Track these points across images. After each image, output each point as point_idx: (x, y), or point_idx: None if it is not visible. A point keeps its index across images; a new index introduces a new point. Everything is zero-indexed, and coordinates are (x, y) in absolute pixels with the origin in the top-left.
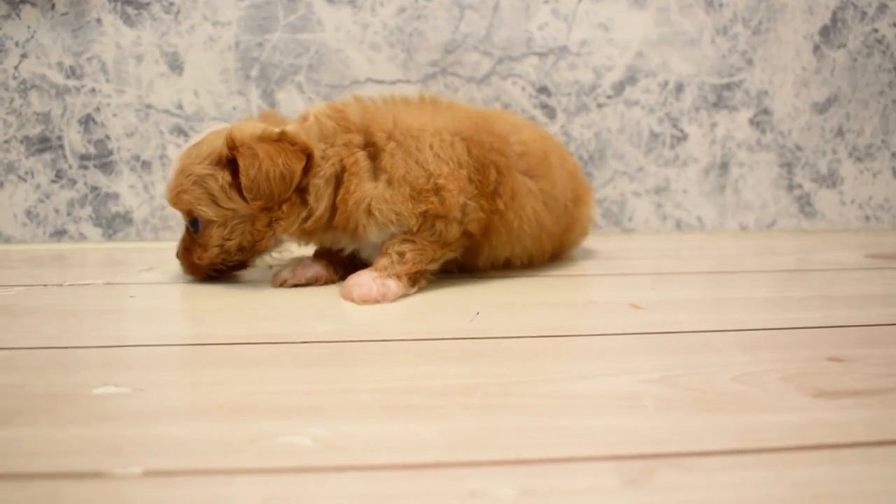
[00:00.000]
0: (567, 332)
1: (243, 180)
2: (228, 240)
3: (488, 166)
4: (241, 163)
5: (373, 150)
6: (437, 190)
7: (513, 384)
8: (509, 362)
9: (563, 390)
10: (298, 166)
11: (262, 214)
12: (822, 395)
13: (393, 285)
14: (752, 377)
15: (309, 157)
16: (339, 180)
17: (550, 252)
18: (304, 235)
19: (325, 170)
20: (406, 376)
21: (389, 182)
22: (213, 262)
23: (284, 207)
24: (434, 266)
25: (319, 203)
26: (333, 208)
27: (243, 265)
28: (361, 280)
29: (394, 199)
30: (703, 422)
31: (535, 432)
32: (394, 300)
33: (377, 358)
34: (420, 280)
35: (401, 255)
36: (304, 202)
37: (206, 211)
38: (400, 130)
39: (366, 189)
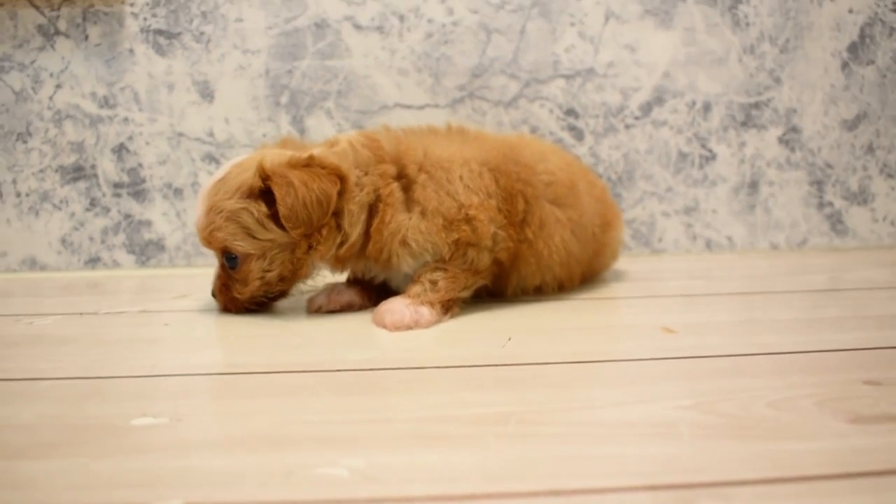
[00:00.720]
0: (599, 358)
1: (281, 209)
2: (269, 271)
3: (516, 196)
4: (277, 192)
5: (405, 181)
6: (469, 220)
7: (547, 412)
8: (542, 389)
9: (597, 418)
10: (334, 190)
11: (301, 242)
12: (858, 421)
13: (426, 312)
14: (787, 402)
15: (342, 180)
16: (372, 209)
17: (580, 278)
18: (338, 263)
19: (360, 197)
20: (440, 404)
21: (423, 213)
22: (255, 295)
23: (324, 232)
24: (466, 293)
25: (353, 229)
26: (366, 237)
27: (283, 295)
28: (394, 307)
29: (429, 230)
30: (740, 449)
31: (571, 462)
32: (426, 327)
33: (411, 386)
34: (452, 308)
35: (433, 282)
36: (339, 227)
37: (242, 245)
38: (430, 162)
39: (400, 220)
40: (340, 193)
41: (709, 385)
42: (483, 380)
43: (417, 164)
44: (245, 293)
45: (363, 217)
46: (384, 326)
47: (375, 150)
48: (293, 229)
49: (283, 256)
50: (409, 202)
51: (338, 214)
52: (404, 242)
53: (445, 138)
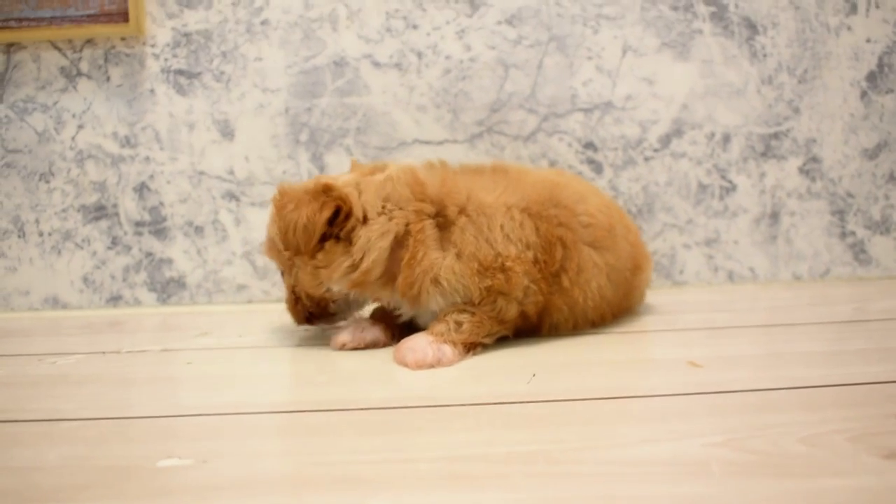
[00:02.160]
0: (626, 394)
1: (273, 231)
2: (296, 286)
3: (555, 244)
4: (273, 214)
5: (443, 220)
6: (504, 269)
7: (575, 450)
8: (570, 427)
9: (626, 456)
10: (322, 218)
11: (305, 263)
12: (893, 457)
13: (448, 351)
14: (818, 438)
15: (341, 208)
16: (400, 242)
17: (609, 320)
18: (356, 287)
19: (381, 225)
20: (467, 443)
21: (459, 256)
22: (292, 307)
23: (319, 256)
24: (488, 341)
25: (367, 255)
26: (391, 269)
27: (328, 314)
28: (416, 344)
29: (462, 272)
30: (773, 487)
31: (601, 502)
32: (448, 366)
33: (437, 424)
34: (475, 348)
35: (458, 323)
36: (348, 252)
37: (275, 260)
38: (473, 206)
39: (434, 258)
40: (342, 221)
41: (738, 421)
42: (509, 417)
43: (459, 206)
44: (287, 306)
45: (382, 245)
46: (406, 364)
47: (416, 188)
48: (285, 250)
49: (300, 275)
50: (444, 241)
51: (345, 240)
52: (436, 281)
53: (490, 180)
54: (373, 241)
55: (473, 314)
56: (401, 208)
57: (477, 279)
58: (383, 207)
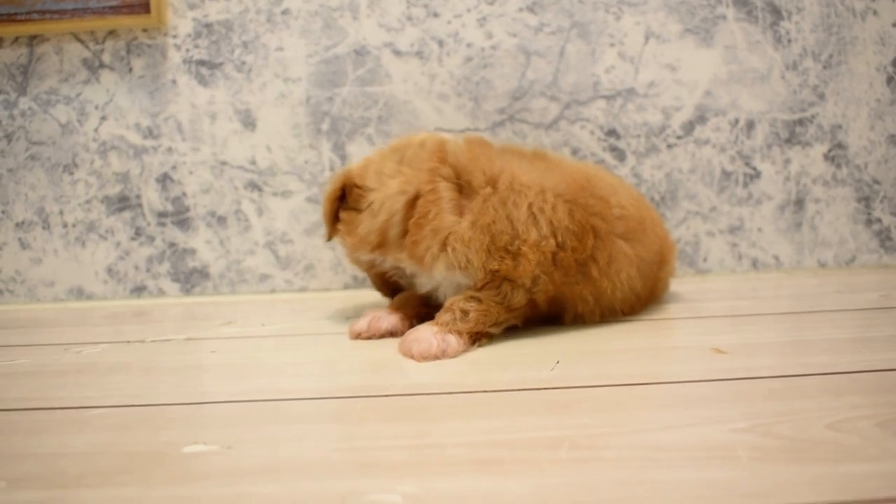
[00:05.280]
0: (651, 380)
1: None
2: (349, 258)
3: (587, 232)
4: None
5: (466, 186)
6: (515, 254)
7: (600, 436)
8: (595, 413)
9: (651, 441)
10: (332, 195)
11: (340, 235)
12: None
13: (453, 341)
14: (846, 424)
15: (346, 182)
16: (411, 203)
17: (636, 312)
18: (377, 250)
19: (389, 187)
20: (492, 429)
21: (473, 224)
22: (373, 282)
23: (340, 227)
24: (496, 330)
25: (376, 217)
26: (405, 228)
27: (400, 287)
28: (421, 335)
29: (471, 242)
30: (800, 473)
31: (627, 487)
32: (454, 356)
33: (461, 410)
34: (481, 339)
35: (465, 312)
36: (363, 219)
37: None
38: (505, 180)
39: (446, 220)
40: (347, 191)
41: (763, 407)
42: (534, 403)
43: (488, 176)
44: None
45: (394, 206)
46: (411, 356)
47: (436, 153)
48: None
49: (345, 245)
50: (461, 207)
51: (361, 209)
52: (443, 245)
53: (529, 162)
54: (382, 202)
55: (480, 301)
56: (414, 170)
57: (484, 257)
58: (397, 171)
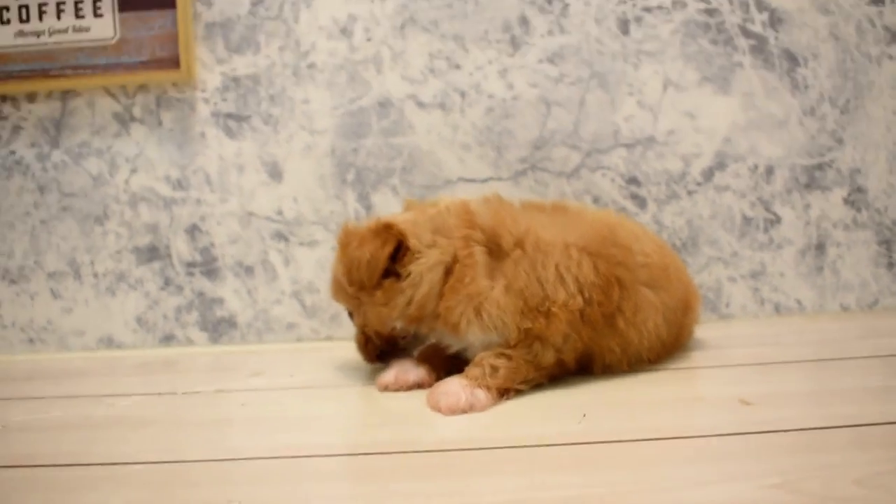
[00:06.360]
0: (678, 434)
1: (339, 270)
2: (365, 325)
3: (612, 284)
4: (338, 253)
5: (496, 249)
6: (548, 314)
7: (628, 493)
8: (622, 469)
9: (680, 499)
10: (384, 253)
11: (370, 300)
12: None
13: (482, 395)
14: (874, 479)
15: (400, 244)
16: (449, 272)
17: (662, 360)
18: (414, 322)
19: (429, 257)
20: (520, 487)
21: (507, 289)
22: (363, 347)
23: (378, 294)
24: (524, 387)
25: (417, 289)
26: (441, 296)
27: (399, 350)
28: (450, 388)
29: (506, 307)
30: None
31: None
32: (481, 411)
33: (490, 467)
34: (509, 393)
35: (494, 368)
36: (403, 289)
37: (340, 301)
38: (531, 240)
39: (482, 286)
40: (398, 255)
41: (791, 461)
42: (561, 459)
43: (516, 238)
44: (357, 346)
45: (433, 277)
46: (438, 409)
47: (465, 217)
48: (349, 286)
49: (366, 313)
50: (494, 271)
51: (400, 275)
52: (478, 311)
53: (550, 218)
54: (423, 275)
55: (510, 359)
56: (447, 237)
57: (518, 318)
58: (434, 241)
